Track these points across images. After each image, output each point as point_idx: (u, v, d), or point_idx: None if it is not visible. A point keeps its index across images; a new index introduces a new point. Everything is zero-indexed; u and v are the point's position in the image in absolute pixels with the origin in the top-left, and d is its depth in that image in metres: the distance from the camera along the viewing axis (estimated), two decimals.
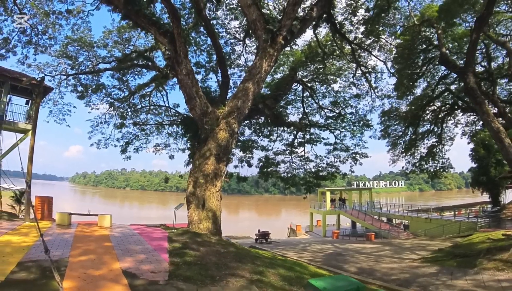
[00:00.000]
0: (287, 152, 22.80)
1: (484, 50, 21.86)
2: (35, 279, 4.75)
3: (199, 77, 18.70)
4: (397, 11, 19.61)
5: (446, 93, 24.51)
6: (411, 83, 22.92)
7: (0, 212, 13.52)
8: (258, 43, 13.52)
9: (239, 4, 14.72)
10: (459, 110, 25.43)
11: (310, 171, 22.14)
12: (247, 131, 22.25)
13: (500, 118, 20.75)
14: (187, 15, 17.19)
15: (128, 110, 20.55)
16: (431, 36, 20.82)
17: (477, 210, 31.56)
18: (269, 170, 22.13)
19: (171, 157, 21.20)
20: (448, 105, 25.09)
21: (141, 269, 5.73)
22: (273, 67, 15.80)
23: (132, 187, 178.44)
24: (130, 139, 20.28)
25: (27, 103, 14.60)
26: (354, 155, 21.80)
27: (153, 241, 8.52)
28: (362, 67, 20.36)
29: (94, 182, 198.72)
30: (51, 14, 15.00)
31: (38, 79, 14.10)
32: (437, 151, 25.77)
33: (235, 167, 20.17)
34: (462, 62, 18.94)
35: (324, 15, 16.01)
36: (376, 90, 22.41)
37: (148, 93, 20.29)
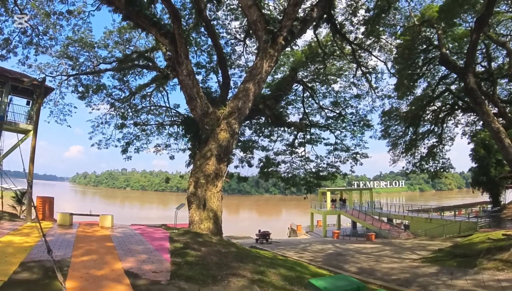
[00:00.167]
0: (287, 152, 22.82)
1: (484, 50, 21.83)
2: (38, 279, 4.78)
3: (199, 77, 18.78)
4: (397, 12, 19.61)
5: (446, 94, 24.49)
6: (411, 84, 22.92)
7: (1, 212, 13.56)
8: (258, 43, 13.55)
9: (240, 5, 14.76)
10: (459, 111, 25.41)
11: (310, 171, 22.15)
12: (248, 132, 22.33)
13: (500, 119, 20.76)
14: (187, 16, 17.21)
15: (129, 110, 20.54)
16: (431, 36, 20.80)
17: (477, 210, 31.57)
18: (269, 170, 22.15)
19: (172, 157, 21.25)
20: (448, 106, 25.09)
21: (143, 269, 5.76)
22: (274, 68, 15.81)
23: (132, 187, 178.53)
24: (131, 140, 20.28)
25: (28, 103, 14.64)
26: (354, 155, 21.82)
27: (155, 241, 8.55)
28: (362, 68, 20.37)
29: (94, 182, 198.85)
30: (52, 14, 14.97)
31: (39, 79, 14.12)
32: (438, 151, 25.74)
33: (236, 167, 20.22)
34: (462, 62, 18.93)
35: (325, 16, 16.05)
36: (376, 91, 22.48)
37: (148, 93, 20.30)
